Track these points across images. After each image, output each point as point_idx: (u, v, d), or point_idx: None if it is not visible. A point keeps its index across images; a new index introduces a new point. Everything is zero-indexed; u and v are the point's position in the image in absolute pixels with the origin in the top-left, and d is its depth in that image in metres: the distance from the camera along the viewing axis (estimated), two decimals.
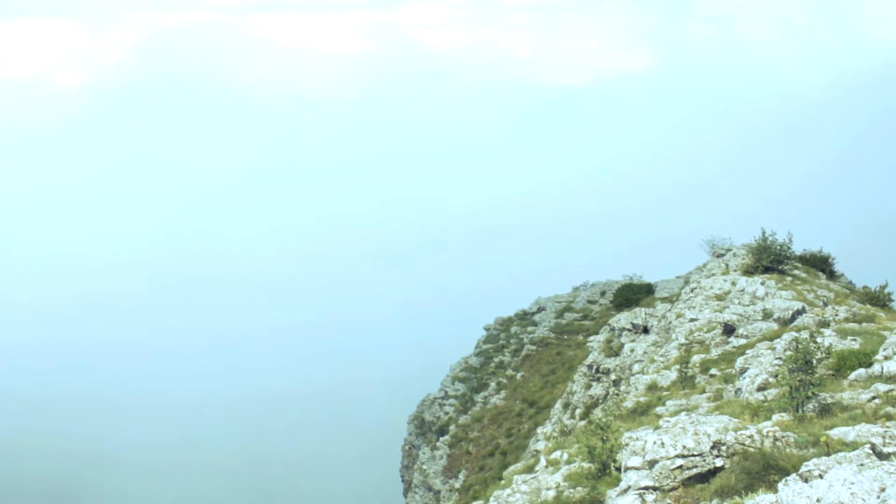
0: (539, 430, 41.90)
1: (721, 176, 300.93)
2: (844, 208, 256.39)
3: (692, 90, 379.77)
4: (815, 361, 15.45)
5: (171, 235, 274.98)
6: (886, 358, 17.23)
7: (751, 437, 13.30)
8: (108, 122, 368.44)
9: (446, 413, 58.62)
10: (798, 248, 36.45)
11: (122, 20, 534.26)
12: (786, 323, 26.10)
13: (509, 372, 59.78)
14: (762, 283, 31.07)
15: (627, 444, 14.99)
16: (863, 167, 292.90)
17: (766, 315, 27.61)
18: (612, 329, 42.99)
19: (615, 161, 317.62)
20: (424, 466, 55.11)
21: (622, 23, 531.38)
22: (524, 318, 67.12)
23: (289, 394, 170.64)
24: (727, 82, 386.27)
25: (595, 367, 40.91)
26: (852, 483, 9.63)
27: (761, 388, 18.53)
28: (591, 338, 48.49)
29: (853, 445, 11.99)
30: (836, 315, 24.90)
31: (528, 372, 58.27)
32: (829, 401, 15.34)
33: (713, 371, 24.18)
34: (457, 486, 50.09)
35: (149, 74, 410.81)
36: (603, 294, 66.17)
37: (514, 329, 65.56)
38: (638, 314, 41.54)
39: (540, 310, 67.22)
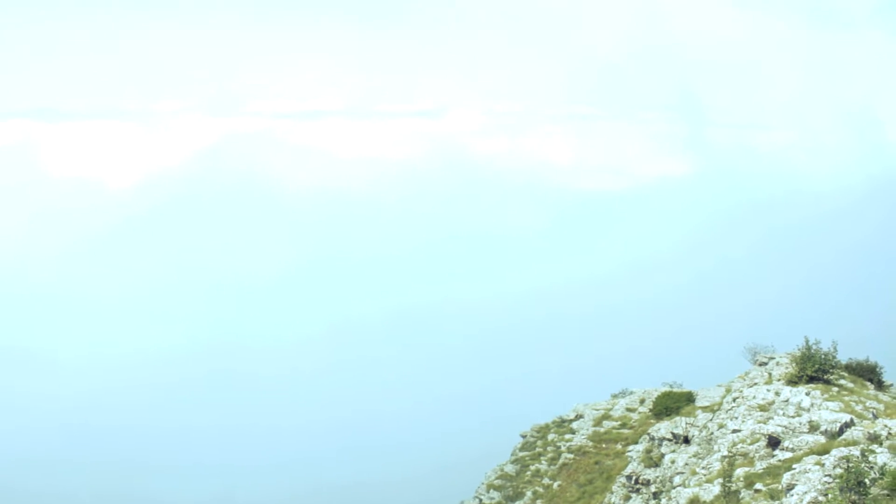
0: None
1: (746, 270, 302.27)
2: (864, 304, 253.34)
3: (722, 193, 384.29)
4: (868, 481, 14.57)
5: (215, 333, 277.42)
6: None
7: None
8: (159, 223, 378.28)
9: None
10: (843, 357, 35.46)
11: (174, 125, 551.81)
12: (833, 436, 25.02)
13: (546, 481, 58.12)
14: (807, 394, 30.06)
15: None
16: (887, 264, 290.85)
17: (813, 427, 26.54)
18: (652, 438, 41.77)
19: (647, 258, 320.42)
20: None
21: (654, 130, 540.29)
22: (561, 425, 65.58)
23: (326, 492, 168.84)
24: (755, 185, 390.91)
25: (634, 478, 39.62)
26: None
27: None
28: (631, 447, 47.25)
29: None
30: (889, 430, 23.79)
31: (566, 481, 56.61)
32: None
33: (758, 486, 23.19)
34: None
35: (199, 178, 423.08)
36: (642, 402, 64.54)
37: (551, 436, 63.93)
38: (679, 423, 40.38)
39: (578, 417, 65.70)
